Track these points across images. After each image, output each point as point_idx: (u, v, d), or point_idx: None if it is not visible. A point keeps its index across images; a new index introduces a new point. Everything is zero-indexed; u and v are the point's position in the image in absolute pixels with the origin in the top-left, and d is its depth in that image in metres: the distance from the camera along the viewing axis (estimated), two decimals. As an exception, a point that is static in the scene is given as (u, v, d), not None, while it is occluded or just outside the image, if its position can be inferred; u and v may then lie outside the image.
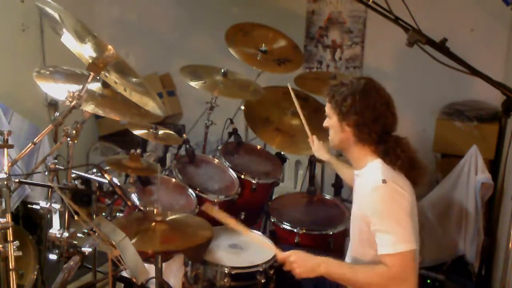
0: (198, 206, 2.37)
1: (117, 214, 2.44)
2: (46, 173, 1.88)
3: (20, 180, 1.70)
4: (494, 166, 2.89)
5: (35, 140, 1.70)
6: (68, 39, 1.77)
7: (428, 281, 2.75)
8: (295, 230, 2.42)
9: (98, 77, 1.81)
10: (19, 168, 2.68)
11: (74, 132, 1.79)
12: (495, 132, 2.97)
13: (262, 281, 2.06)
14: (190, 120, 3.80)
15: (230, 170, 2.66)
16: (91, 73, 1.74)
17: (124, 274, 2.08)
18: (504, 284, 2.20)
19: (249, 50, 3.11)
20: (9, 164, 1.60)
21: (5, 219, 1.56)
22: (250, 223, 2.68)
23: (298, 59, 3.18)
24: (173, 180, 2.51)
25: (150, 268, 1.81)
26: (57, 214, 1.79)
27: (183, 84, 4.05)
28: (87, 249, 1.71)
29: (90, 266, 2.28)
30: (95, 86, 1.98)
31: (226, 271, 2.03)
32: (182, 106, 4.45)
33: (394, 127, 1.81)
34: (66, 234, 1.73)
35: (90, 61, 1.75)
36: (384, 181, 1.68)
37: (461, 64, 1.78)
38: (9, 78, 3.43)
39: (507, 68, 3.25)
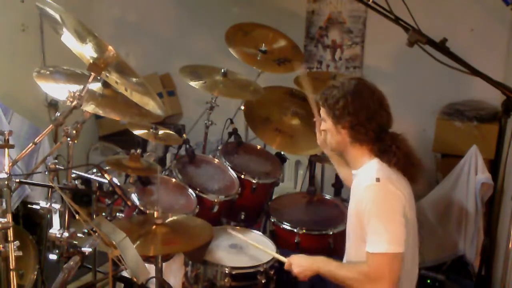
0: (198, 206, 2.37)
1: (117, 214, 2.44)
2: (46, 173, 1.88)
3: (20, 180, 1.70)
4: (494, 166, 2.89)
5: (36, 140, 1.70)
6: (68, 39, 1.78)
7: (428, 281, 2.75)
8: (295, 230, 2.42)
9: (98, 77, 1.81)
10: (19, 168, 2.68)
11: (74, 132, 1.79)
12: (495, 132, 2.98)
13: (263, 281, 2.06)
14: (190, 120, 3.80)
15: (230, 170, 2.66)
16: (92, 73, 1.74)
17: (124, 274, 2.08)
18: (504, 284, 2.20)
19: (249, 50, 3.11)
20: (10, 164, 1.60)
21: (5, 219, 1.56)
22: (250, 223, 2.68)
23: (298, 59, 3.17)
24: (173, 180, 2.51)
25: (150, 268, 1.81)
26: (57, 214, 1.79)
27: (183, 84, 4.05)
28: (87, 249, 1.71)
29: (90, 266, 2.28)
30: (96, 86, 1.98)
31: (227, 271, 2.03)
32: (182, 106, 4.45)
33: (390, 124, 1.82)
34: (66, 234, 1.72)
35: (91, 61, 1.75)
36: (377, 180, 1.68)
37: (461, 64, 1.78)
38: (9, 78, 3.43)
39: (507, 68, 3.25)
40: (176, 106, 4.42)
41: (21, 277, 2.42)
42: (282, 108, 2.92)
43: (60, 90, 1.84)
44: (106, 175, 1.93)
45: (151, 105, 1.88)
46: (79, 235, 1.80)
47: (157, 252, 1.85)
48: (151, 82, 4.06)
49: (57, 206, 1.80)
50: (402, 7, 1.91)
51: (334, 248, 2.42)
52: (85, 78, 1.76)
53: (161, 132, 2.67)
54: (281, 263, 2.14)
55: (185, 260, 2.19)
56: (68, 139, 1.80)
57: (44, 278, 2.39)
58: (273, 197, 2.87)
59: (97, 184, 2.11)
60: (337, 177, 3.26)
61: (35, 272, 2.45)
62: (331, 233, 2.42)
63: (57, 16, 1.71)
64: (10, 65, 3.50)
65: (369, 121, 1.75)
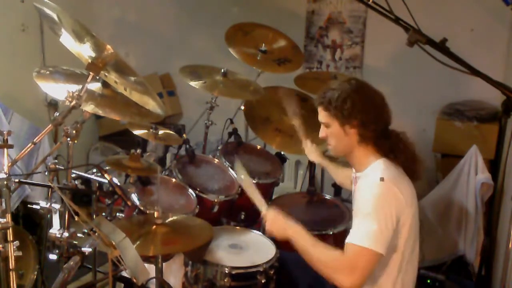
0: (198, 206, 2.37)
1: (117, 214, 2.44)
2: (46, 173, 1.88)
3: (20, 180, 1.70)
4: (494, 166, 2.89)
5: (35, 140, 1.69)
6: (66, 39, 1.77)
7: (428, 281, 2.75)
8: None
9: (98, 77, 1.81)
10: (19, 168, 2.68)
11: (74, 132, 1.79)
12: (495, 132, 2.98)
13: (263, 281, 2.06)
14: (190, 120, 3.80)
15: (230, 170, 2.66)
16: (91, 72, 1.74)
17: (124, 274, 2.08)
18: (504, 284, 2.20)
19: (249, 50, 3.11)
20: (9, 164, 1.60)
21: (5, 219, 1.56)
22: (250, 223, 2.68)
23: (298, 59, 3.17)
24: (173, 180, 2.50)
25: (150, 268, 1.81)
26: (57, 214, 1.79)
27: (183, 84, 4.05)
28: (87, 249, 1.71)
29: (90, 266, 2.28)
30: (95, 86, 1.97)
31: (227, 271, 2.03)
32: (182, 106, 4.46)
33: (391, 120, 1.82)
34: (66, 234, 1.72)
35: (89, 61, 1.74)
36: (382, 179, 1.68)
37: (461, 64, 1.77)
38: (9, 78, 3.43)
39: (507, 68, 3.25)
40: (176, 106, 4.42)
41: (21, 277, 2.42)
42: (282, 108, 2.91)
43: (60, 90, 1.84)
44: (106, 175, 1.93)
45: (151, 104, 1.88)
46: (79, 235, 1.80)
47: (157, 252, 1.84)
48: (151, 82, 4.06)
49: (57, 206, 1.80)
50: (402, 7, 1.91)
51: (334, 248, 2.41)
52: (85, 78, 1.76)
53: (161, 132, 2.67)
54: (281, 264, 2.15)
55: (185, 260, 2.19)
56: (68, 139, 1.80)
57: (44, 278, 2.39)
58: (273, 197, 2.87)
59: (97, 184, 2.12)
60: (337, 177, 3.26)
61: (35, 272, 2.45)
62: (331, 233, 2.42)
63: (54, 16, 1.70)
64: (10, 65, 3.50)
65: (377, 117, 1.76)
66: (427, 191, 3.04)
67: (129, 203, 2.03)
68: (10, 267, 1.60)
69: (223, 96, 2.86)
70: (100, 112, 1.90)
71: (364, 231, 1.62)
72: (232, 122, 2.98)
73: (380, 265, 1.68)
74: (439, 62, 1.80)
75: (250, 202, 2.64)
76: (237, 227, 2.45)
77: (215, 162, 2.74)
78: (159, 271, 1.92)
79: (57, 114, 1.72)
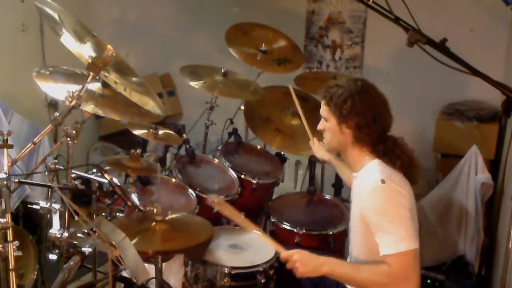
0: (198, 206, 2.37)
1: (117, 214, 2.44)
2: (46, 173, 1.88)
3: (20, 180, 1.70)
4: (494, 166, 2.90)
5: (35, 140, 1.69)
6: (67, 39, 1.77)
7: (428, 281, 2.75)
8: (295, 230, 2.42)
9: (98, 77, 1.81)
10: (19, 168, 2.68)
11: (74, 132, 1.79)
12: (495, 132, 2.98)
13: (262, 281, 2.06)
14: (190, 120, 3.80)
15: (230, 170, 2.66)
16: (91, 73, 1.74)
17: (124, 274, 2.08)
18: (504, 284, 2.20)
19: (249, 50, 3.11)
20: (9, 164, 1.60)
21: (5, 219, 1.56)
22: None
23: (298, 59, 3.17)
24: (173, 180, 2.51)
25: (150, 268, 1.81)
26: (57, 214, 1.79)
27: (183, 84, 4.05)
28: (87, 249, 1.71)
29: (90, 266, 2.28)
30: (95, 86, 1.98)
31: (226, 271, 2.03)
32: (182, 106, 4.46)
33: (391, 127, 1.82)
34: (66, 234, 1.72)
35: (90, 61, 1.74)
36: (383, 181, 1.68)
37: (461, 64, 1.78)
38: (9, 78, 3.43)
39: (507, 68, 3.25)
40: (176, 106, 4.42)
41: (21, 277, 2.42)
42: (282, 108, 2.91)
43: (60, 90, 1.84)
44: (106, 175, 1.93)
45: (151, 105, 1.88)
46: (79, 235, 1.80)
47: (156, 249, 1.84)
48: (151, 82, 4.07)
49: (57, 206, 1.80)
50: (402, 7, 1.91)
51: (334, 248, 2.42)
52: (85, 78, 1.76)
53: (161, 132, 2.67)
54: (281, 264, 2.15)
55: (185, 260, 2.19)
56: (68, 139, 1.80)
57: (44, 278, 2.39)
58: (273, 197, 2.87)
59: (97, 184, 2.11)
60: (337, 177, 3.26)
61: (35, 272, 2.45)
62: (331, 233, 2.42)
63: (56, 16, 1.70)
64: (10, 65, 3.50)
65: (375, 122, 1.75)
66: (427, 191, 3.04)
67: (129, 203, 2.03)
68: (10, 267, 1.60)
69: (223, 96, 2.86)
70: (100, 112, 1.90)
71: (394, 238, 1.63)
72: (232, 122, 2.97)
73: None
74: (439, 62, 1.80)
75: (250, 202, 2.66)
76: (237, 227, 2.45)
77: (215, 162, 2.74)
78: (159, 271, 1.92)
79: (57, 114, 1.71)
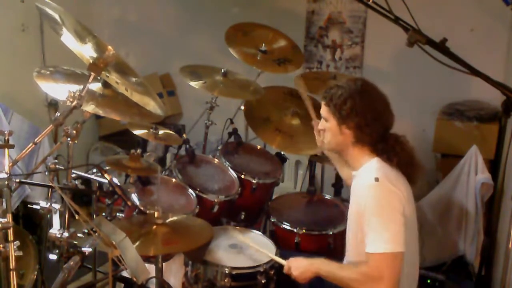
0: (198, 206, 2.37)
1: (117, 214, 2.44)
2: (46, 173, 1.88)
3: (21, 180, 1.70)
4: (494, 166, 2.89)
5: (36, 140, 1.69)
6: (68, 39, 1.77)
7: (428, 281, 2.75)
8: (295, 230, 2.42)
9: (98, 77, 1.81)
10: (19, 168, 2.68)
11: (74, 132, 1.79)
12: (495, 132, 2.98)
13: (263, 281, 2.06)
14: (190, 120, 3.80)
15: (230, 170, 2.66)
16: (92, 73, 1.74)
17: (124, 274, 2.08)
18: (504, 284, 2.20)
19: (249, 50, 3.11)
20: (10, 164, 1.60)
21: (5, 219, 1.56)
22: (250, 223, 2.68)
23: (298, 59, 3.17)
24: (173, 180, 2.51)
25: (150, 268, 1.81)
26: (57, 214, 1.79)
27: (183, 84, 4.05)
28: (87, 249, 1.71)
29: (90, 266, 2.28)
30: (96, 86, 1.98)
31: (227, 271, 2.03)
32: (182, 106, 4.45)
33: (392, 125, 1.82)
34: (66, 234, 1.72)
35: (91, 61, 1.75)
36: (376, 179, 1.68)
37: (461, 64, 1.78)
38: (9, 78, 3.43)
39: (507, 68, 3.25)
40: (176, 106, 4.42)
41: (21, 277, 2.42)
42: (282, 108, 2.92)
43: (60, 90, 1.84)
44: (106, 175, 1.93)
45: (151, 105, 1.88)
46: (79, 235, 1.80)
47: (157, 252, 1.85)
48: (151, 82, 4.07)
49: (57, 206, 1.80)
50: (402, 7, 1.91)
51: (334, 248, 2.42)
52: (85, 78, 1.76)
53: (161, 132, 2.67)
54: (281, 264, 2.15)
55: (185, 260, 2.19)
56: (68, 139, 1.80)
57: (44, 278, 2.39)
58: (273, 197, 2.87)
59: (97, 184, 2.11)
60: (337, 177, 3.26)
61: (35, 272, 2.45)
62: (331, 233, 2.42)
63: (56, 16, 1.71)
64: (10, 65, 3.50)
65: (375, 122, 1.75)
66: (427, 191, 3.03)
67: (129, 203, 2.03)
68: (11, 267, 1.60)
69: (223, 96, 2.86)
70: (100, 112, 1.90)
71: (377, 237, 1.63)
72: (232, 122, 2.97)
73: None
74: (439, 62, 1.80)
75: (250, 202, 2.66)
76: (237, 227, 2.46)
77: (215, 162, 2.74)
78: (159, 271, 1.93)
79: (58, 114, 1.71)
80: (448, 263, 2.89)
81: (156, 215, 1.87)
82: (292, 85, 3.00)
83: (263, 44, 3.10)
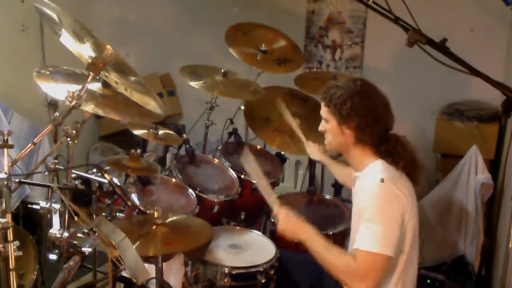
0: (198, 206, 2.37)
1: (117, 214, 2.44)
2: (46, 173, 1.88)
3: (20, 180, 1.70)
4: (494, 166, 2.89)
5: (35, 140, 1.69)
6: (67, 40, 1.77)
7: (428, 281, 2.75)
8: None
9: (98, 77, 1.81)
10: (19, 168, 2.68)
11: (74, 132, 1.79)
12: (495, 132, 2.98)
13: (263, 281, 2.06)
14: (190, 120, 3.80)
15: (230, 170, 2.66)
16: (91, 73, 1.74)
17: (124, 274, 2.08)
18: (504, 284, 2.20)
19: (249, 50, 3.11)
20: (9, 164, 1.60)
21: (5, 219, 1.56)
22: (250, 223, 2.68)
23: (298, 59, 3.17)
24: (173, 180, 2.51)
25: (150, 268, 1.81)
26: (57, 214, 1.79)
27: (183, 84, 4.05)
28: (87, 249, 1.70)
29: (90, 266, 2.28)
30: (95, 86, 1.97)
31: (226, 271, 2.03)
32: (182, 106, 4.46)
33: (393, 126, 1.81)
34: (66, 234, 1.72)
35: (89, 61, 1.74)
36: (382, 180, 1.68)
37: (461, 64, 1.77)
38: (9, 78, 3.43)
39: (507, 68, 3.25)
40: (176, 106, 4.42)
41: (21, 277, 2.41)
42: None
43: (60, 90, 1.84)
44: (106, 175, 1.93)
45: (151, 105, 1.88)
46: (79, 235, 1.80)
47: (157, 252, 1.84)
48: (151, 82, 4.07)
49: (57, 206, 1.80)
50: (402, 7, 1.91)
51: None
52: (85, 78, 1.76)
53: (161, 132, 2.67)
54: (281, 264, 2.15)
55: (185, 260, 2.19)
56: (68, 139, 1.80)
57: (44, 278, 2.39)
58: (273, 197, 2.87)
59: (97, 184, 2.11)
60: (337, 177, 3.26)
61: (35, 272, 2.45)
62: (331, 233, 2.42)
63: (55, 16, 1.70)
64: (10, 65, 3.50)
65: (375, 122, 1.74)
66: (427, 191, 3.03)
67: (129, 203, 2.03)
68: (10, 267, 1.60)
69: (223, 96, 2.86)
70: (100, 112, 1.90)
71: (370, 236, 1.63)
72: (232, 122, 2.98)
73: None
74: (439, 62, 1.80)
75: (250, 202, 2.66)
76: (237, 227, 2.46)
77: (215, 162, 2.74)
78: (159, 271, 1.92)
79: (57, 114, 1.71)
80: (448, 263, 2.89)
81: (155, 215, 1.87)
82: (292, 85, 3.02)
83: (263, 44, 3.10)
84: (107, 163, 2.15)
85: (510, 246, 2.00)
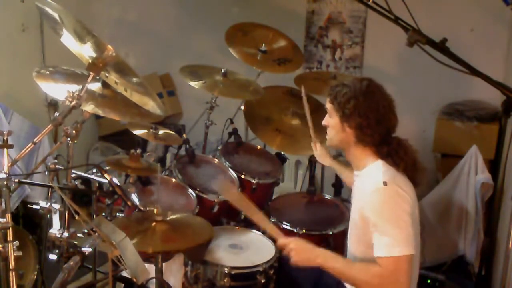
0: (198, 206, 2.37)
1: (117, 214, 2.44)
2: (46, 173, 1.88)
3: (20, 180, 1.70)
4: (494, 166, 2.89)
5: (35, 140, 1.69)
6: (68, 39, 1.77)
7: (428, 281, 2.75)
8: (295, 230, 2.41)
9: (98, 77, 1.81)
10: (19, 168, 2.68)
11: (74, 132, 1.79)
12: (495, 132, 2.98)
13: (262, 281, 2.06)
14: (190, 120, 3.80)
15: (230, 170, 2.66)
16: (91, 73, 1.74)
17: (124, 274, 2.08)
18: (504, 284, 2.20)
19: (249, 50, 3.11)
20: (9, 164, 1.60)
21: (5, 219, 1.56)
22: (250, 223, 2.67)
23: (298, 59, 3.17)
24: (173, 180, 2.51)
25: (150, 268, 1.81)
26: (57, 214, 1.79)
27: (183, 84, 4.05)
28: (87, 249, 1.70)
29: (90, 266, 2.28)
30: (95, 86, 1.98)
31: (226, 271, 2.03)
32: (182, 106, 4.46)
33: (396, 128, 1.81)
34: (66, 234, 1.72)
35: (90, 61, 1.75)
36: (385, 183, 1.67)
37: (461, 64, 1.78)
38: (9, 78, 3.43)
39: (507, 68, 3.25)
40: (176, 106, 4.42)
41: (21, 277, 2.42)
42: (282, 108, 2.92)
43: (60, 90, 1.84)
44: (106, 175, 1.93)
45: (151, 105, 1.88)
46: (79, 235, 1.80)
47: (156, 249, 1.84)
48: (151, 82, 4.07)
49: (57, 206, 1.80)
50: (402, 7, 1.91)
51: (334, 248, 2.41)
52: (85, 78, 1.76)
53: (161, 132, 2.67)
54: (281, 264, 2.15)
55: (185, 260, 2.19)
56: (68, 139, 1.80)
57: (44, 278, 2.39)
58: (273, 197, 2.87)
59: (97, 184, 2.11)
60: (337, 177, 3.26)
61: (35, 272, 2.45)
62: (331, 233, 2.42)
63: (56, 16, 1.70)
64: (10, 65, 3.50)
65: (377, 124, 1.74)
66: (427, 191, 3.04)
67: (129, 203, 2.03)
68: (10, 267, 1.60)
69: (223, 96, 2.86)
70: (100, 112, 1.90)
71: (388, 241, 1.62)
72: (232, 122, 2.98)
73: None
74: (439, 62, 1.80)
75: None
76: (237, 227, 2.46)
77: (215, 162, 2.74)
78: (159, 271, 1.92)
79: (57, 114, 1.71)
80: (448, 263, 2.89)
81: (155, 212, 1.86)
82: (292, 85, 3.01)
83: (263, 44, 3.10)
84: (107, 163, 2.15)
85: (510, 246, 2.00)
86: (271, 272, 2.10)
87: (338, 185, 3.24)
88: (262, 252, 2.16)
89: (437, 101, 3.44)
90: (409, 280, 1.63)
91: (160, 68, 4.35)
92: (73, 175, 1.92)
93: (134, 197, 2.21)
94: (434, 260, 2.88)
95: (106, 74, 1.81)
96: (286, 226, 2.46)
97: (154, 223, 1.85)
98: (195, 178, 2.58)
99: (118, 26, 4.48)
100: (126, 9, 4.52)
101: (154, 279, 1.90)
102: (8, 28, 3.53)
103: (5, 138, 1.60)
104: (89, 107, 1.85)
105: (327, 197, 2.82)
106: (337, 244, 2.44)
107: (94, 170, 2.13)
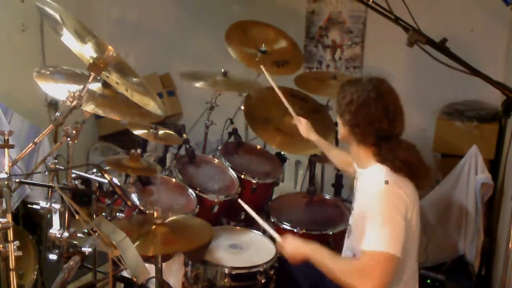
0: (198, 206, 2.37)
1: (117, 214, 2.44)
2: (46, 173, 1.88)
3: (20, 180, 1.70)
4: (494, 166, 2.89)
5: (35, 140, 1.69)
6: (68, 39, 1.78)
7: (428, 281, 2.75)
8: (295, 230, 2.42)
9: (98, 77, 1.81)
10: (19, 168, 2.68)
11: (74, 132, 1.79)
12: (495, 132, 2.98)
13: (262, 281, 2.06)
14: (190, 120, 3.80)
15: (230, 170, 2.66)
16: (92, 73, 1.74)
17: (124, 274, 2.08)
18: (504, 284, 2.20)
19: (248, 51, 3.11)
20: (10, 164, 1.60)
21: (5, 219, 1.56)
22: (250, 223, 2.67)
23: (297, 60, 3.17)
24: (173, 180, 2.51)
25: (150, 268, 1.81)
26: (57, 214, 1.79)
27: (183, 84, 4.06)
28: (87, 249, 1.71)
29: (90, 266, 2.28)
30: (96, 86, 1.98)
31: (226, 271, 2.03)
32: (182, 106, 4.45)
33: (392, 133, 1.77)
34: (66, 234, 1.72)
35: (91, 61, 1.75)
36: (386, 182, 1.67)
37: (461, 64, 1.78)
38: (9, 78, 3.43)
39: (507, 68, 3.25)
40: (176, 106, 4.42)
41: (21, 277, 2.42)
42: (282, 108, 2.91)
43: (60, 90, 1.84)
44: (106, 175, 1.93)
45: (151, 105, 1.88)
46: (79, 235, 1.80)
47: (157, 252, 1.84)
48: (151, 82, 4.07)
49: (57, 206, 1.80)
50: (402, 7, 1.91)
51: (334, 248, 2.41)
52: (85, 78, 1.76)
53: (161, 132, 2.67)
54: (281, 264, 2.15)
55: (185, 260, 2.19)
56: (68, 139, 1.80)
57: (44, 278, 2.39)
58: (273, 197, 2.87)
59: (97, 184, 2.11)
60: (337, 177, 3.26)
61: (35, 272, 2.45)
62: (331, 233, 2.42)
63: (57, 16, 1.71)
64: (10, 65, 3.50)
65: (367, 125, 1.73)
66: (427, 191, 3.03)
67: (129, 203, 2.03)
68: (10, 267, 1.60)
69: (224, 91, 2.86)
70: (100, 112, 1.90)
71: (376, 236, 1.62)
72: (232, 122, 2.98)
73: None
74: (439, 62, 1.80)
75: (250, 202, 2.65)
76: (237, 227, 2.46)
77: (215, 162, 2.74)
78: (159, 271, 1.92)
79: (58, 114, 1.71)
80: (448, 263, 2.89)
81: (155, 215, 1.87)
82: (292, 85, 3.01)
83: (263, 44, 3.09)
84: (107, 163, 2.15)
85: (510, 246, 2.00)
86: (272, 272, 2.10)
87: (338, 185, 3.24)
88: (262, 252, 2.16)
89: (437, 101, 3.44)
90: (384, 278, 1.59)
91: (160, 68, 4.35)
92: (73, 175, 1.92)
93: (134, 197, 2.21)
94: (434, 260, 2.87)
95: (107, 75, 1.81)
96: (286, 226, 2.46)
97: (154, 226, 1.85)
98: (195, 178, 2.58)
99: (118, 26, 4.48)
100: (126, 9, 4.52)
101: (154, 279, 1.90)
102: (8, 28, 3.53)
103: (6, 138, 1.60)
104: (89, 107, 1.86)
105: (327, 197, 2.82)
106: (337, 244, 2.43)
107: (94, 170, 2.13)
